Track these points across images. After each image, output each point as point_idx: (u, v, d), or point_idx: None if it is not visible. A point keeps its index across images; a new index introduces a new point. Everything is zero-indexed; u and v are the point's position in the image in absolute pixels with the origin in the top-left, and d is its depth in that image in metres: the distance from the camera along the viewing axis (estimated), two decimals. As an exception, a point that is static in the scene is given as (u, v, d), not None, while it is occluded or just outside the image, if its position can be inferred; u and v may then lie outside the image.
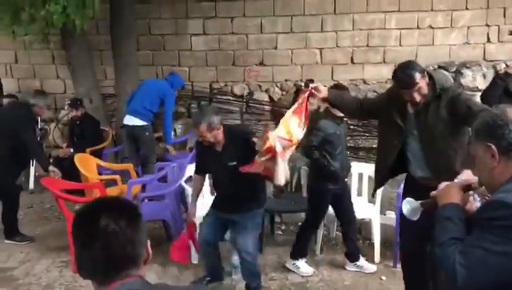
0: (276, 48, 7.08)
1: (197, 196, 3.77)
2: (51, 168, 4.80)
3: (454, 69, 6.80)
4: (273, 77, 7.15)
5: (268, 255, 4.47)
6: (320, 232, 4.45)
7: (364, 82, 6.99)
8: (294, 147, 3.15)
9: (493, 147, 1.53)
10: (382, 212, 4.50)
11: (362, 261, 4.18)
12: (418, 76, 2.76)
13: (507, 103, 4.21)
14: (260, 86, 7.21)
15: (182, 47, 7.21)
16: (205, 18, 7.09)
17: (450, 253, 1.51)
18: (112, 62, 6.72)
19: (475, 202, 1.75)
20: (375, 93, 6.53)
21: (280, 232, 5.01)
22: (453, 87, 2.92)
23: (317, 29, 6.96)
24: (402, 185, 3.34)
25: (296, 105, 3.12)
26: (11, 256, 4.57)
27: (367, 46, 6.96)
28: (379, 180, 3.24)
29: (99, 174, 5.49)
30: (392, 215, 4.57)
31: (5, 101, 6.20)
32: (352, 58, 7.01)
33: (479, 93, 5.41)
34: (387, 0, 6.82)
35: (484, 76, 6.72)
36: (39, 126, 5.57)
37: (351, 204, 4.17)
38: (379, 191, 3.84)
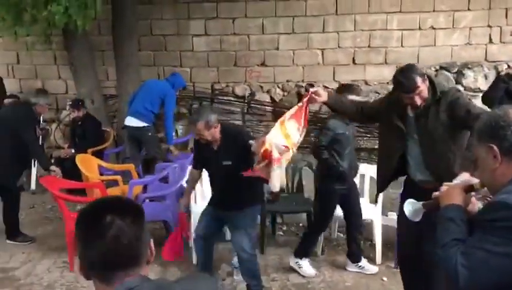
0: (277, 48, 7.08)
1: (192, 188, 3.91)
2: (52, 167, 4.80)
3: (456, 70, 6.80)
4: (274, 78, 7.15)
5: (269, 255, 4.47)
6: (322, 233, 4.43)
7: (366, 83, 6.97)
8: (291, 153, 3.13)
9: (495, 148, 1.53)
10: (384, 213, 4.50)
11: (364, 262, 4.18)
12: (419, 80, 2.77)
13: (509, 104, 4.18)
14: (262, 87, 7.21)
15: (183, 48, 7.21)
16: (207, 19, 7.09)
17: (452, 254, 1.51)
18: (113, 63, 6.73)
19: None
20: (377, 94, 6.52)
21: (281, 233, 5.01)
22: (453, 91, 2.91)
23: (318, 30, 6.96)
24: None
25: (296, 108, 3.12)
26: (12, 256, 4.58)
27: (369, 46, 6.96)
28: (381, 184, 3.24)
29: (101, 174, 5.49)
30: (393, 216, 4.54)
31: (7, 101, 6.20)
32: (353, 59, 7.01)
33: (481, 94, 5.39)
34: (389, 1, 6.81)
35: (486, 77, 6.71)
36: (40, 126, 5.57)
37: (359, 205, 4.15)
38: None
